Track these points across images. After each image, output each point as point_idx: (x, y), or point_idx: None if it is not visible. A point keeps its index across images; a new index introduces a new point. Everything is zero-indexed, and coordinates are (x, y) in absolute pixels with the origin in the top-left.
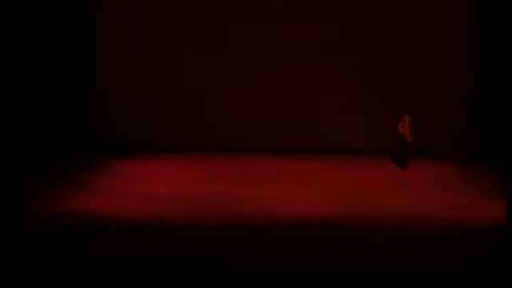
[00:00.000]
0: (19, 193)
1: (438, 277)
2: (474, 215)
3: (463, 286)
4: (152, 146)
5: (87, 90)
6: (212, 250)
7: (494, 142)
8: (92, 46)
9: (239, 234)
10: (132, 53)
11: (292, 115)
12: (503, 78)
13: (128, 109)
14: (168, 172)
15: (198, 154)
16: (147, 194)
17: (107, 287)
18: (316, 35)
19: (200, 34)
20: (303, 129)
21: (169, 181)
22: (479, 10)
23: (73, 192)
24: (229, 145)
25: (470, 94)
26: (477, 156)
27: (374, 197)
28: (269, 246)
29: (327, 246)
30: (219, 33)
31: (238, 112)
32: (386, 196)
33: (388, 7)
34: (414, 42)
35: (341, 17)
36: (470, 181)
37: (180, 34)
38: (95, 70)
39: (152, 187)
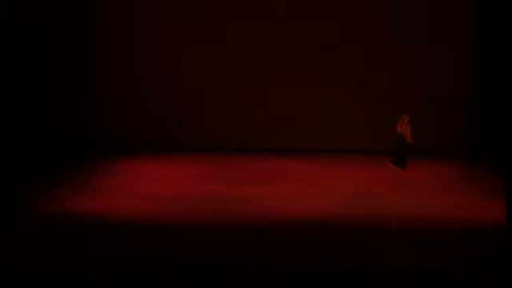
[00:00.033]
0: (19, 193)
1: (437, 277)
2: (474, 215)
3: (463, 286)
4: (152, 145)
5: (87, 89)
6: (212, 249)
7: (494, 142)
8: (92, 45)
9: (239, 234)
10: (132, 53)
11: (292, 115)
12: (503, 78)
13: (128, 109)
14: (168, 172)
15: (198, 154)
16: (147, 194)
17: (107, 287)
18: (316, 35)
19: (200, 34)
20: (303, 129)
21: (169, 181)
22: (479, 10)
23: (73, 192)
24: (229, 145)
25: (470, 94)
26: (477, 156)
27: (374, 197)
28: (269, 246)
29: (327, 245)
30: (219, 33)
31: (238, 112)
32: (386, 196)
33: (388, 7)
34: (413, 42)
35: (341, 17)
36: (470, 181)
37: (180, 34)
38: (95, 70)
39: (152, 187)
